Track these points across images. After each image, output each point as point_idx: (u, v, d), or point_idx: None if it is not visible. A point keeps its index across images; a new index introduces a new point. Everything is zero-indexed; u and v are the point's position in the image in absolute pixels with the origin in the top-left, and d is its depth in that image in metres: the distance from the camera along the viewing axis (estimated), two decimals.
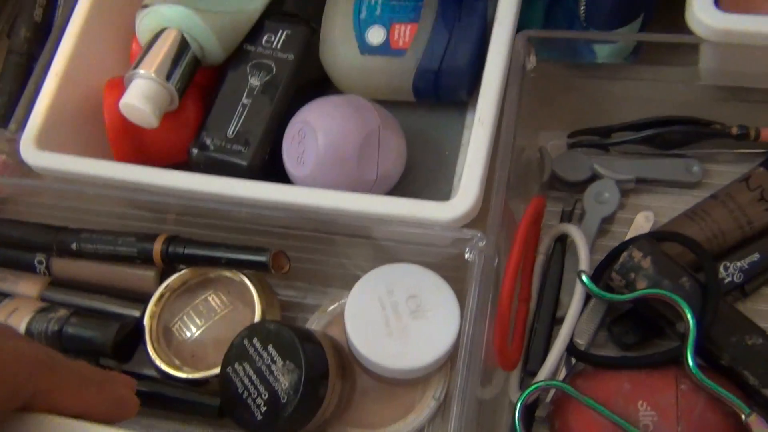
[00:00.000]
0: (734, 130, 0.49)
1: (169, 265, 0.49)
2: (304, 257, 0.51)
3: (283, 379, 0.39)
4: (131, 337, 0.48)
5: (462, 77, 0.50)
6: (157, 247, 0.48)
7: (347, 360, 0.45)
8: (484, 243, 0.41)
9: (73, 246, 0.50)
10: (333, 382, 0.42)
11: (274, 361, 0.40)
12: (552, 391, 0.44)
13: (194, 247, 0.48)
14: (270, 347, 0.40)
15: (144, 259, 0.49)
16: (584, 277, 0.42)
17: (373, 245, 0.49)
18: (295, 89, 0.51)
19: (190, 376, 0.46)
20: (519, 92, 0.46)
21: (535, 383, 0.40)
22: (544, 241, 0.49)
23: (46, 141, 0.50)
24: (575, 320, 0.42)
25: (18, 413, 0.28)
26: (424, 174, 0.53)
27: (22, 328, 0.48)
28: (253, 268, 0.47)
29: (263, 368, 0.40)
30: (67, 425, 0.28)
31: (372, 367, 0.43)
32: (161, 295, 0.48)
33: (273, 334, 0.41)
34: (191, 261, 0.49)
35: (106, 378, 0.33)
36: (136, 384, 0.38)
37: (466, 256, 0.43)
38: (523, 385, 0.46)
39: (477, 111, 0.45)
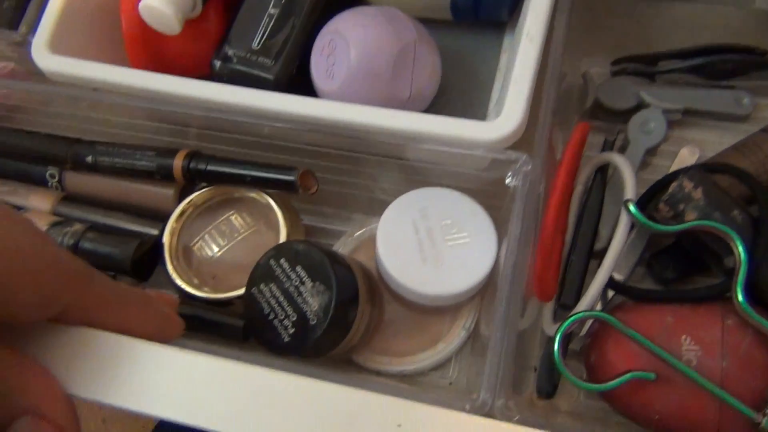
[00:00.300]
0: None
1: (190, 182, 0.47)
2: (331, 179, 0.48)
3: (313, 301, 0.37)
4: (151, 254, 0.46)
5: None
6: (178, 162, 0.45)
7: (376, 286, 0.43)
8: (529, 166, 0.39)
9: (89, 159, 0.47)
10: (362, 306, 0.40)
11: (302, 282, 0.38)
12: (588, 324, 0.43)
13: (217, 163, 0.45)
14: (299, 268, 0.38)
15: (164, 175, 0.46)
16: (631, 206, 0.40)
17: (402, 169, 0.47)
18: (326, 0, 0.48)
19: (212, 296, 0.44)
20: (570, 7, 0.42)
21: (576, 313, 0.39)
22: (584, 171, 0.47)
23: (60, 44, 0.47)
24: (620, 248, 0.40)
25: (59, 325, 0.26)
26: (456, 98, 0.51)
27: None
28: (280, 188, 0.45)
29: (291, 289, 0.38)
30: (111, 339, 0.27)
31: (404, 293, 0.41)
32: (182, 212, 0.46)
33: (302, 255, 0.39)
34: (214, 178, 0.46)
35: (149, 298, 0.31)
36: (177, 303, 0.37)
37: (507, 180, 0.40)
38: (556, 318, 0.44)
39: (525, 26, 0.41)
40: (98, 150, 0.47)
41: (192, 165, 0.45)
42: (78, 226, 0.46)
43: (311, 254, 0.39)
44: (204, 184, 0.47)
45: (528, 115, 0.41)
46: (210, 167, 0.45)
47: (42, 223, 0.46)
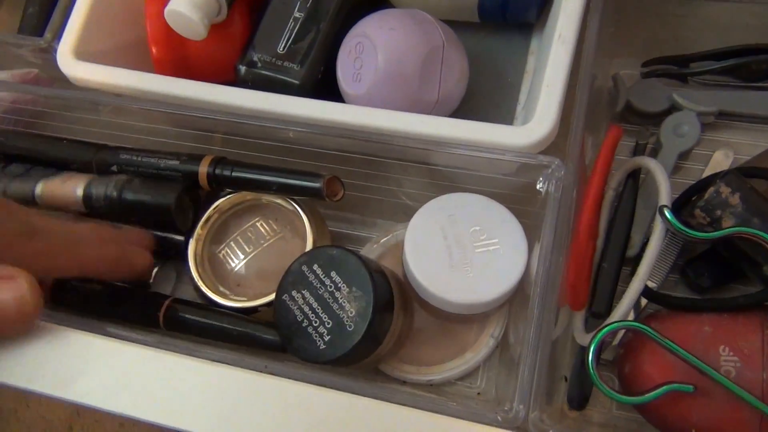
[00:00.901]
0: None
1: (216, 188, 0.46)
2: (357, 184, 0.48)
3: (350, 307, 0.37)
4: (192, 202, 0.46)
5: None
6: (203, 169, 0.45)
7: (407, 293, 0.42)
8: (563, 172, 0.38)
9: (113, 168, 0.47)
10: (397, 313, 0.39)
11: (338, 288, 0.37)
12: (621, 334, 0.42)
13: (243, 169, 0.45)
14: (333, 273, 0.38)
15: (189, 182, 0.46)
16: (667, 212, 0.39)
17: (428, 174, 0.46)
18: (352, 3, 0.47)
19: (239, 304, 0.43)
20: (602, 8, 0.42)
21: (612, 323, 0.38)
22: (616, 175, 0.46)
23: (85, 51, 0.47)
24: (654, 259, 0.39)
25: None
26: (484, 100, 0.50)
27: (79, 191, 0.46)
28: (306, 195, 0.44)
29: (326, 295, 0.37)
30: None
31: (432, 301, 0.40)
32: (208, 218, 0.46)
33: (336, 260, 0.38)
34: (239, 185, 0.45)
35: (111, 236, 0.35)
36: (152, 241, 0.43)
37: (539, 186, 0.40)
38: (588, 327, 0.43)
39: (557, 27, 0.41)
40: (122, 159, 0.47)
41: (217, 171, 0.45)
42: (122, 176, 0.46)
43: (346, 260, 0.38)
44: (229, 190, 0.47)
45: (560, 119, 0.40)
46: (235, 173, 0.45)
47: (84, 177, 0.47)
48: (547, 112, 0.39)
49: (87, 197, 0.46)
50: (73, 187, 0.46)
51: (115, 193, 0.45)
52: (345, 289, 0.37)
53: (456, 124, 0.40)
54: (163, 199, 0.45)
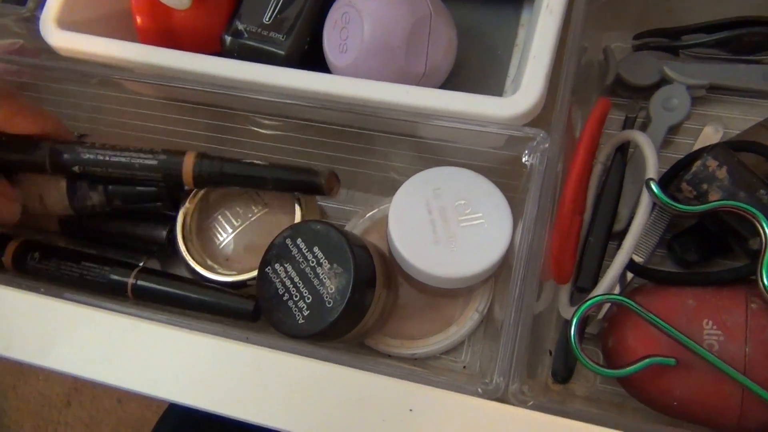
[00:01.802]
0: None
1: (202, 187, 0.44)
2: (344, 158, 0.48)
3: (330, 283, 0.36)
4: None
5: None
6: (188, 169, 0.41)
7: (391, 269, 0.42)
8: (547, 144, 0.37)
9: (75, 169, 0.42)
10: (379, 290, 0.39)
11: (320, 264, 0.37)
12: (605, 308, 0.42)
13: (234, 166, 0.42)
14: (316, 249, 0.37)
15: (171, 183, 0.42)
16: (654, 186, 0.38)
17: (415, 147, 0.46)
18: None
19: (227, 278, 0.43)
20: None
21: (593, 297, 0.37)
22: (604, 149, 0.45)
23: (68, 20, 0.46)
24: (640, 230, 0.39)
25: None
26: (473, 73, 0.49)
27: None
28: (304, 190, 0.44)
29: (307, 270, 0.37)
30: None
31: (416, 275, 0.40)
32: (195, 192, 0.45)
33: (320, 235, 0.38)
34: (231, 182, 0.43)
35: None
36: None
37: (524, 158, 0.39)
38: (573, 301, 0.43)
39: None
40: (85, 159, 0.41)
41: (204, 170, 0.41)
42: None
43: (329, 235, 0.38)
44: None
45: (546, 91, 0.39)
46: (226, 170, 0.42)
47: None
48: (533, 83, 0.39)
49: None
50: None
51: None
52: (326, 265, 0.37)
53: (440, 94, 0.40)
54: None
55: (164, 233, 0.46)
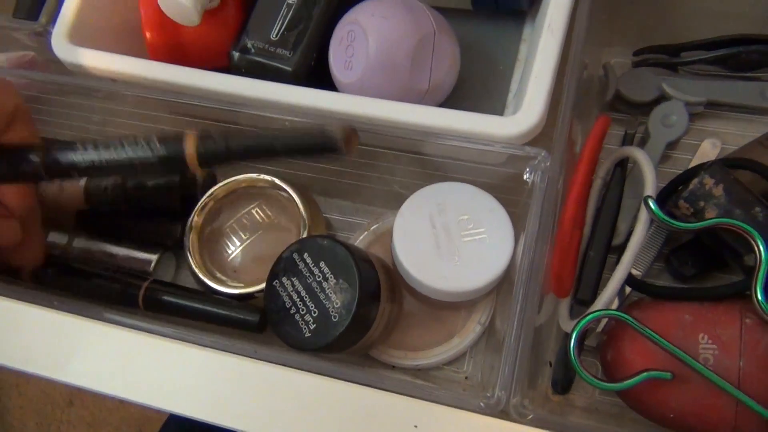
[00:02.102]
0: None
1: (208, 166, 0.41)
2: (349, 172, 0.49)
3: (336, 298, 0.37)
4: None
5: None
6: (191, 151, 0.38)
7: (396, 283, 0.43)
8: (548, 163, 0.38)
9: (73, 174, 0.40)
10: (384, 305, 0.40)
11: (326, 279, 0.38)
12: (604, 321, 0.43)
13: (239, 139, 0.38)
14: (322, 264, 0.38)
15: (170, 166, 0.38)
16: (651, 203, 0.39)
17: (420, 164, 0.47)
18: None
19: (235, 290, 0.44)
20: None
21: (593, 312, 0.38)
22: (604, 165, 0.46)
23: (79, 35, 0.47)
24: (639, 246, 0.40)
25: None
26: (475, 89, 0.50)
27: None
28: (320, 153, 0.37)
29: (314, 284, 0.38)
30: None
31: (420, 288, 0.41)
32: (204, 206, 0.46)
33: (326, 251, 0.39)
34: (239, 156, 0.38)
35: None
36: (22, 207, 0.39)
37: (525, 176, 0.40)
38: (573, 314, 0.44)
39: (546, 17, 0.41)
40: (78, 160, 0.38)
41: (208, 148, 0.38)
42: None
43: (335, 250, 0.39)
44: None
45: (548, 110, 0.40)
46: (231, 145, 0.37)
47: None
48: (535, 102, 0.40)
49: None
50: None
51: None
52: (332, 280, 0.38)
53: (443, 113, 0.41)
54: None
55: (179, 228, 0.47)
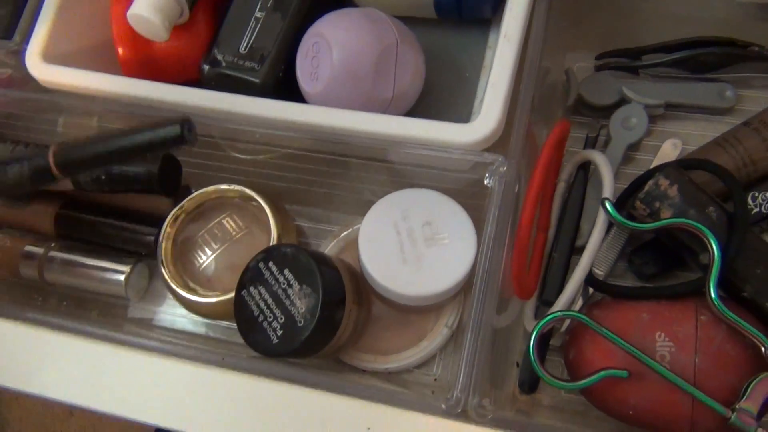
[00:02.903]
0: None
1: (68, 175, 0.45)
2: (319, 181, 0.50)
3: (300, 304, 0.39)
4: (174, 169, 0.48)
5: None
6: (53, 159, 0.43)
7: (363, 286, 0.44)
8: (505, 168, 0.40)
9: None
10: (349, 307, 0.41)
11: (290, 285, 0.39)
12: (567, 321, 0.44)
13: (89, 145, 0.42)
14: (286, 271, 0.40)
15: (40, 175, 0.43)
16: (608, 205, 0.40)
17: (388, 169, 0.48)
18: (311, 2, 0.49)
19: (207, 300, 0.45)
20: (548, 6, 0.43)
21: (551, 313, 0.39)
22: (567, 167, 0.47)
23: (53, 53, 0.49)
24: (597, 248, 0.41)
25: None
26: (443, 96, 0.51)
27: None
28: (168, 147, 0.41)
29: (279, 292, 0.39)
30: None
31: (386, 294, 0.42)
32: (176, 217, 0.47)
33: (289, 258, 0.40)
34: (90, 164, 0.43)
35: None
36: None
37: (486, 181, 0.41)
38: (538, 314, 0.45)
39: (502, 26, 0.42)
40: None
41: (67, 158, 0.43)
42: None
43: (298, 257, 0.40)
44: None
45: (505, 116, 0.41)
46: (86, 153, 0.43)
47: None
48: (492, 109, 0.41)
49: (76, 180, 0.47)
50: None
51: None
52: (296, 286, 0.39)
53: (404, 122, 0.42)
54: (146, 169, 0.46)
55: (152, 238, 0.49)
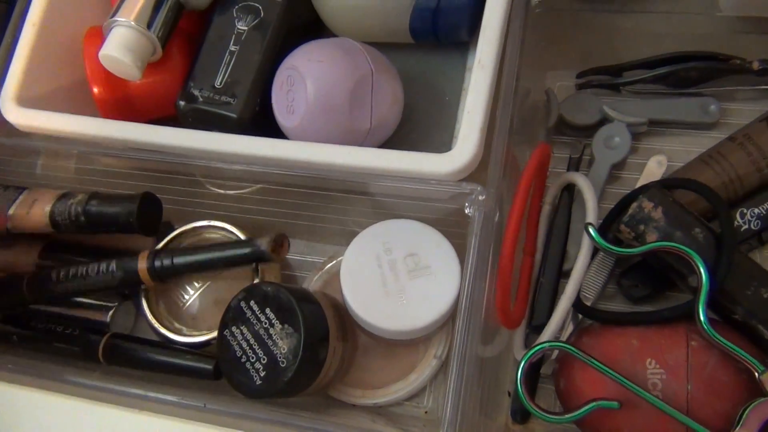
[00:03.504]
0: (755, 66, 0.46)
1: (161, 282, 0.46)
2: (302, 213, 0.49)
3: (282, 344, 0.38)
4: (153, 208, 0.47)
5: (462, 14, 0.47)
6: (143, 265, 0.45)
7: (348, 320, 0.43)
8: (483, 197, 0.39)
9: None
10: (334, 345, 0.41)
11: (272, 325, 0.38)
12: (557, 350, 0.43)
13: (182, 254, 0.45)
14: (268, 310, 0.39)
15: (131, 284, 0.46)
16: (591, 230, 0.39)
17: (371, 200, 0.47)
18: (285, 34, 0.48)
19: (190, 339, 0.45)
20: (522, 30, 0.42)
21: (537, 344, 0.39)
22: (551, 190, 0.47)
23: (28, 97, 0.48)
24: (582, 275, 0.40)
25: None
26: (423, 121, 0.51)
27: (45, 216, 0.47)
28: (253, 261, 0.45)
29: (261, 331, 0.39)
30: None
31: (369, 329, 0.42)
32: None
33: (271, 297, 0.39)
34: (184, 271, 0.46)
35: None
36: None
37: (467, 210, 0.40)
38: (528, 341, 0.44)
39: (477, 53, 0.41)
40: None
41: (157, 264, 0.45)
42: (81, 196, 0.47)
43: (279, 296, 0.39)
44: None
45: (483, 144, 0.41)
46: (177, 261, 0.45)
47: (48, 199, 0.47)
48: (468, 138, 0.40)
49: (53, 219, 0.47)
50: (38, 214, 0.47)
51: (79, 209, 0.46)
52: (278, 325, 0.38)
53: (380, 154, 0.41)
54: (124, 208, 0.45)
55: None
